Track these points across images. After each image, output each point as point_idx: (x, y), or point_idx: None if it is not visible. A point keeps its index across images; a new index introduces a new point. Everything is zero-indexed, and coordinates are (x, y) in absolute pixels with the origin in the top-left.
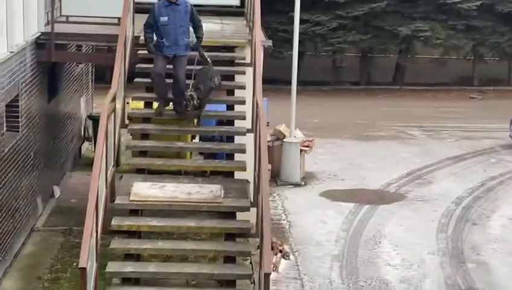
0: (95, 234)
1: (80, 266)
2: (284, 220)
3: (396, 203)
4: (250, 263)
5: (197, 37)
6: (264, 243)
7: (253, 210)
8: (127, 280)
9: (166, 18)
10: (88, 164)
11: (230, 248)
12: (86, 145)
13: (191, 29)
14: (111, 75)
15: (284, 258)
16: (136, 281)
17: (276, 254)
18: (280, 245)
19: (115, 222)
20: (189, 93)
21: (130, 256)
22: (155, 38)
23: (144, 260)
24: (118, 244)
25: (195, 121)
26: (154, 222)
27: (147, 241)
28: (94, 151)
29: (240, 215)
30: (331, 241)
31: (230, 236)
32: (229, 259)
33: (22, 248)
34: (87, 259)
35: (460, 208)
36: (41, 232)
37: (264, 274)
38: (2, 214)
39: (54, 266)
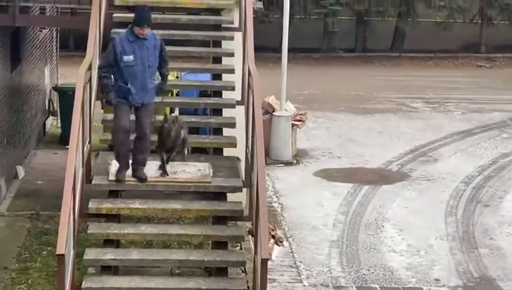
0: (72, 218)
1: (57, 252)
2: (275, 202)
3: (400, 183)
4: (240, 249)
5: (161, 74)
6: (260, 227)
7: (245, 191)
8: (105, 269)
9: (131, 57)
10: (53, 141)
11: (221, 233)
12: (50, 121)
13: None
14: (75, 42)
15: (277, 244)
16: (115, 270)
17: (268, 240)
18: (272, 230)
19: (93, 204)
20: (163, 123)
21: (108, 242)
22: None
23: (124, 247)
24: (96, 229)
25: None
26: (136, 204)
27: (128, 226)
28: (60, 127)
29: (230, 197)
30: (328, 225)
31: (220, 219)
32: (219, 245)
33: None
34: (65, 245)
35: (470, 188)
36: (5, 217)
37: (261, 260)
38: None
39: (22, 254)
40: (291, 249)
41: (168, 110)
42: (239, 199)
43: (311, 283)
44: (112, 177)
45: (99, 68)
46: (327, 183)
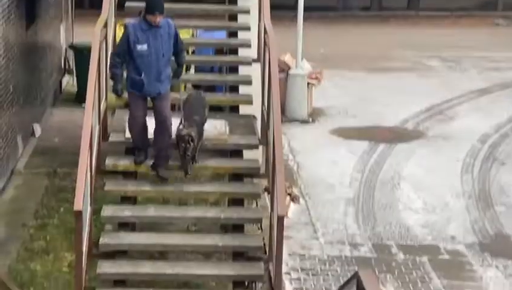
0: (89, 175)
1: (75, 209)
2: (291, 160)
3: (416, 142)
4: (257, 206)
5: (177, 63)
6: (277, 184)
7: (261, 149)
8: (123, 225)
9: (145, 46)
10: (69, 100)
11: (238, 190)
12: (66, 79)
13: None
14: (90, 0)
15: (293, 202)
16: (133, 227)
17: (284, 197)
18: (288, 188)
19: (110, 161)
20: (185, 131)
21: (126, 199)
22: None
23: (141, 204)
24: (113, 186)
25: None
26: (153, 161)
27: (145, 183)
28: (76, 85)
29: (246, 154)
30: (344, 183)
31: (236, 177)
32: (235, 202)
33: (2, 192)
34: (82, 202)
35: (486, 147)
36: (23, 175)
37: (277, 217)
38: None
39: (39, 211)
40: (307, 207)
41: (182, 87)
42: (255, 156)
43: (327, 241)
44: (129, 134)
45: (112, 56)
46: (343, 142)
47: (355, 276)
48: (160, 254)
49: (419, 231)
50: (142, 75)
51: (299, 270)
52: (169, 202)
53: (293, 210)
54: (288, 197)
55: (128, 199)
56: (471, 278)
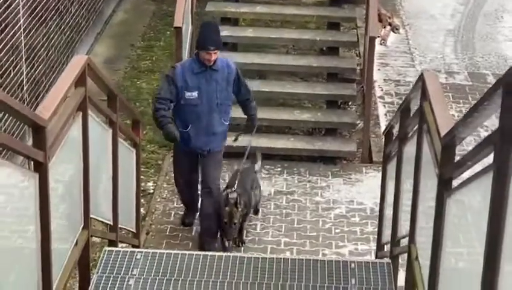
0: None
1: (175, 25)
2: None
3: None
4: (357, 34)
5: (250, 116)
6: (369, 7)
7: None
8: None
9: (196, 93)
10: None
11: (335, 14)
12: None
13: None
14: None
15: (393, 31)
16: (234, 47)
17: (384, 27)
18: (389, 18)
19: None
20: (233, 194)
21: (226, 21)
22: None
23: (241, 26)
24: (213, 7)
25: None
26: None
27: (245, 5)
28: None
29: None
30: (446, 15)
31: (334, 2)
32: (332, 26)
33: (112, 15)
34: (183, 20)
35: None
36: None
37: (369, 38)
38: None
39: (147, 34)
40: (407, 36)
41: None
42: None
43: (423, 68)
44: None
45: (157, 99)
46: None
47: (421, 77)
48: (258, 76)
49: None
50: (189, 127)
51: (393, 95)
52: (270, 26)
53: (392, 39)
54: (388, 27)
55: (228, 21)
56: None
